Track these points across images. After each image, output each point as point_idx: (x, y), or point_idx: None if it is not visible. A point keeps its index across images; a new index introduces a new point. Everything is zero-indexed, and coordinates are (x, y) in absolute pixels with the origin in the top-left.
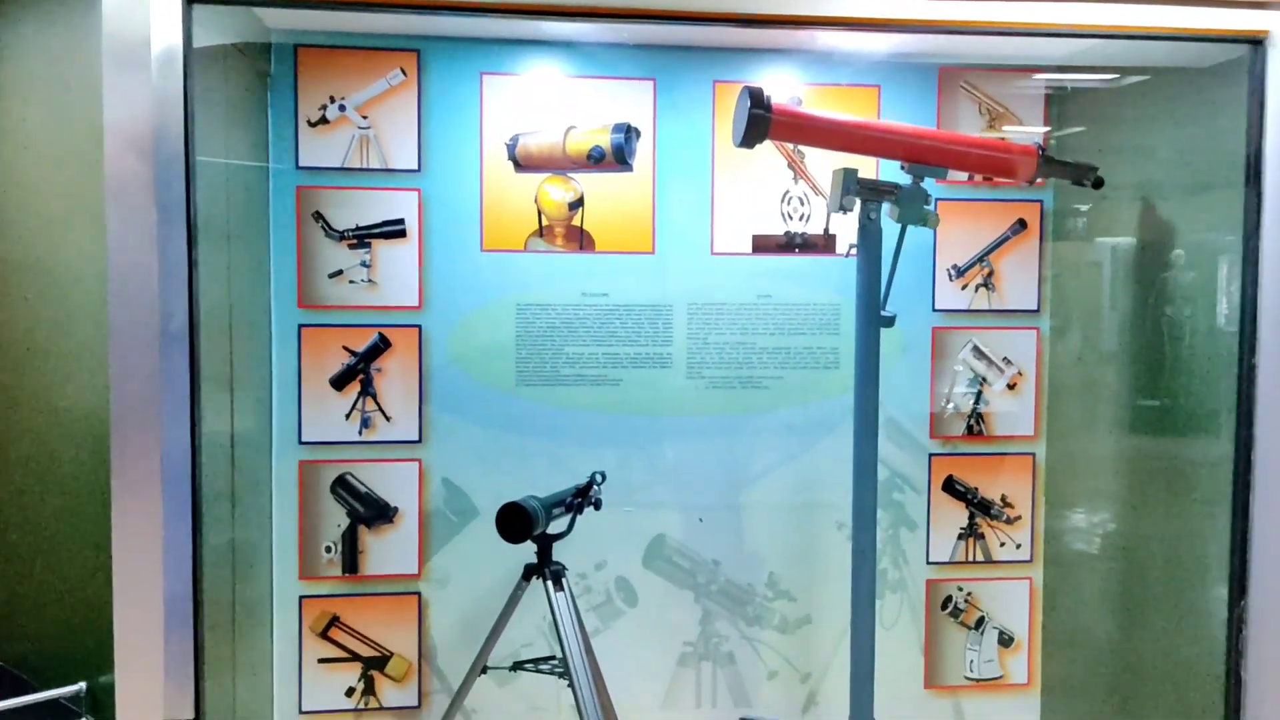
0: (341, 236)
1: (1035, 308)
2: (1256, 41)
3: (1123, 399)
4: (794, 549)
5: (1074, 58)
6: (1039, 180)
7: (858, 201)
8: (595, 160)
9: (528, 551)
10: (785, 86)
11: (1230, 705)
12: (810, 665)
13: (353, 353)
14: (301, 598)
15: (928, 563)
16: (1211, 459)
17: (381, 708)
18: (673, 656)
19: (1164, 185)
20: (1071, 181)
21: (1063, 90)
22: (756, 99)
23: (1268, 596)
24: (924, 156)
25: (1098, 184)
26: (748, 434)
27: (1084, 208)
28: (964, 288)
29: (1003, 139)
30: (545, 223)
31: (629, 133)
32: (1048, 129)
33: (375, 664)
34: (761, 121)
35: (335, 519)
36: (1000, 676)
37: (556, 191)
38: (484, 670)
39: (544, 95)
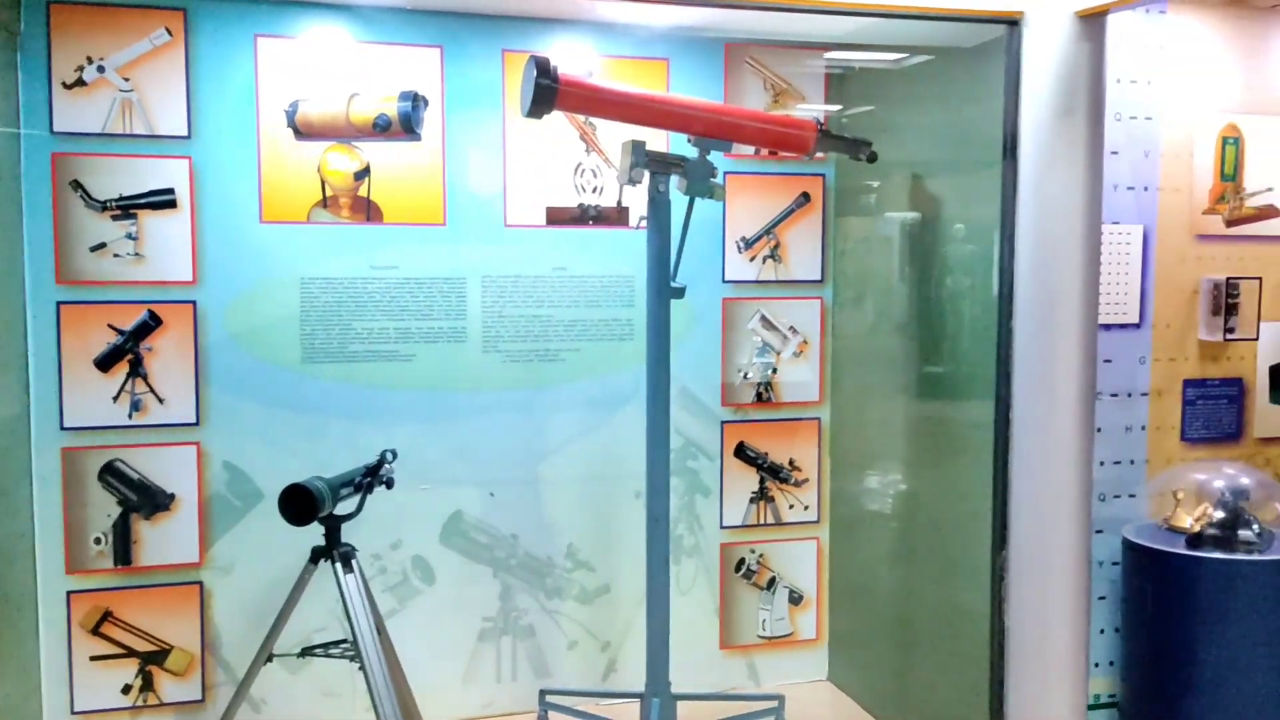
0: (104, 207)
1: (819, 278)
2: (1013, 22)
3: (901, 365)
4: (593, 520)
5: (852, 36)
6: (819, 155)
7: (646, 174)
8: (381, 129)
9: (319, 534)
10: (577, 57)
11: (995, 650)
12: (610, 633)
13: (119, 331)
14: (69, 593)
15: (721, 527)
16: (980, 420)
17: (162, 704)
18: (472, 632)
19: (937, 161)
20: (849, 156)
21: (844, 69)
22: (543, 69)
23: (1026, 546)
24: (708, 130)
25: (872, 158)
26: (545, 407)
27: (864, 183)
28: (752, 259)
29: (787, 114)
30: (329, 193)
31: (416, 101)
32: (840, 107)
33: (153, 659)
34: (548, 92)
35: (105, 508)
36: (791, 633)
37: (340, 161)
38: (270, 658)
39: (325, 60)
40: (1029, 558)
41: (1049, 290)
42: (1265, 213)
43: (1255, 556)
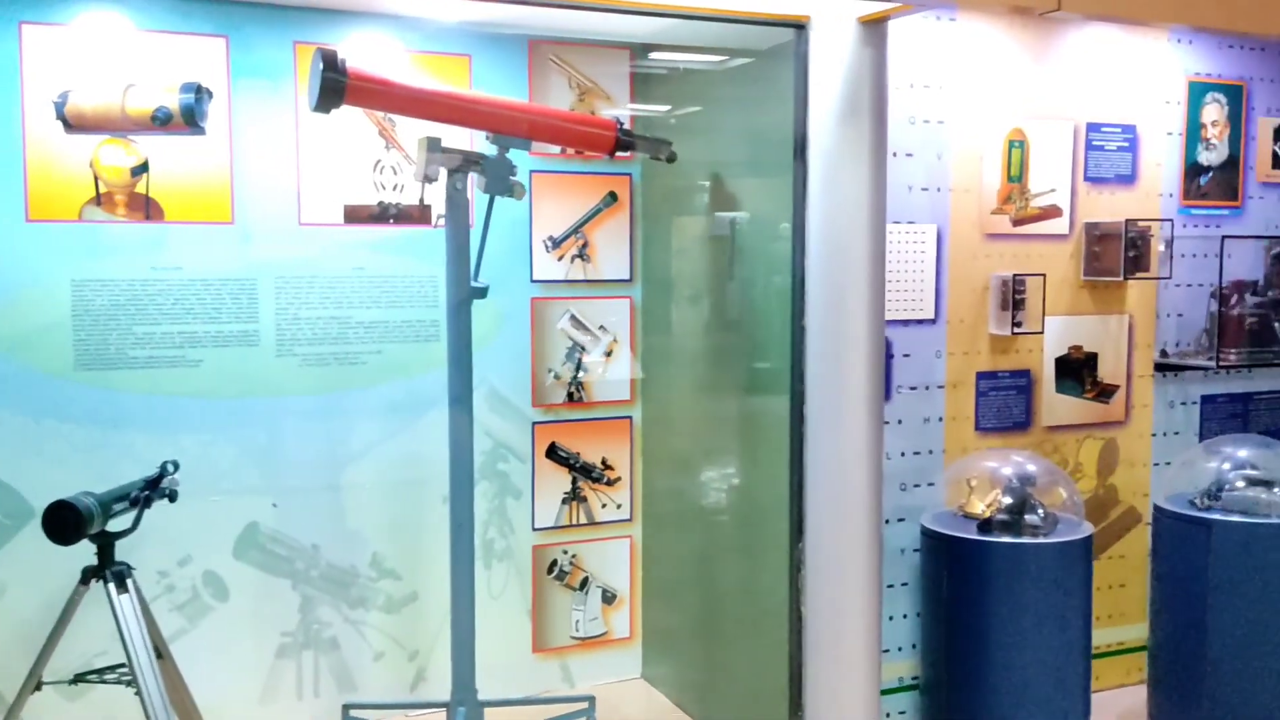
0: None
1: (628, 277)
2: (799, 26)
3: (708, 362)
4: (399, 527)
5: (654, 36)
6: (621, 154)
7: (444, 171)
8: (161, 122)
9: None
10: (375, 50)
11: (794, 640)
12: (418, 642)
13: None
14: None
15: (533, 529)
16: (781, 415)
17: None
18: (270, 649)
19: (739, 161)
20: (649, 156)
21: (649, 69)
22: (330, 62)
23: (820, 537)
24: (505, 127)
25: (671, 158)
26: (346, 412)
27: (670, 183)
28: (560, 259)
29: (590, 113)
30: (103, 190)
31: (200, 93)
32: (671, 108)
33: None
34: (335, 86)
35: None
36: (605, 633)
37: (115, 155)
38: (39, 686)
39: (99, 49)
40: (824, 548)
41: (838, 287)
42: (1048, 212)
43: (1040, 540)
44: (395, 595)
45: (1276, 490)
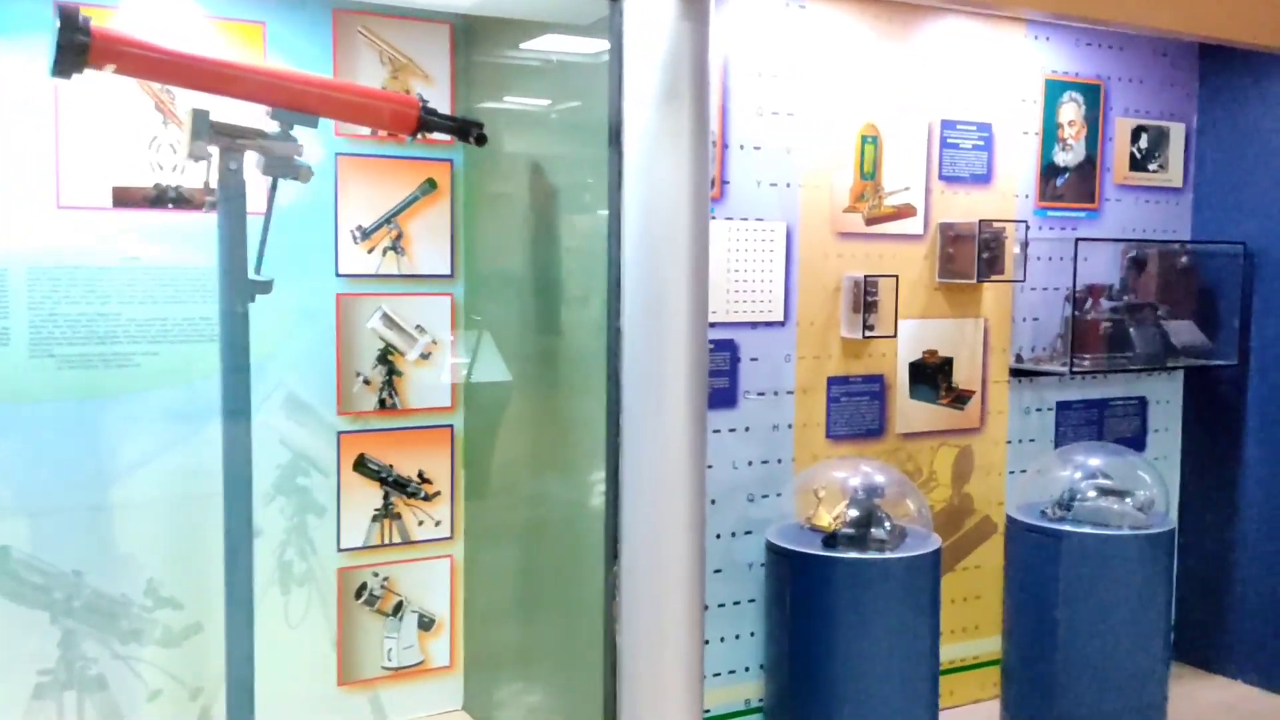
0: None
1: (449, 273)
2: None
3: (534, 367)
4: (179, 549)
5: (475, 9)
6: (428, 135)
7: (216, 150)
8: None
9: None
10: (164, 14)
11: (608, 670)
12: (202, 679)
13: None
14: None
15: (339, 550)
16: (600, 424)
17: None
18: (25, 690)
19: (564, 147)
20: (457, 138)
21: (471, 45)
22: (69, 20)
23: (638, 558)
24: (286, 100)
25: (480, 140)
26: (115, 420)
27: (496, 170)
28: (371, 251)
29: (385, 89)
30: None
31: None
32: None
33: None
34: (76, 47)
35: None
36: (421, 662)
37: None
38: None
39: None
40: (640, 571)
41: (657, 285)
42: (902, 211)
43: (886, 555)
44: (175, 626)
45: (1128, 500)
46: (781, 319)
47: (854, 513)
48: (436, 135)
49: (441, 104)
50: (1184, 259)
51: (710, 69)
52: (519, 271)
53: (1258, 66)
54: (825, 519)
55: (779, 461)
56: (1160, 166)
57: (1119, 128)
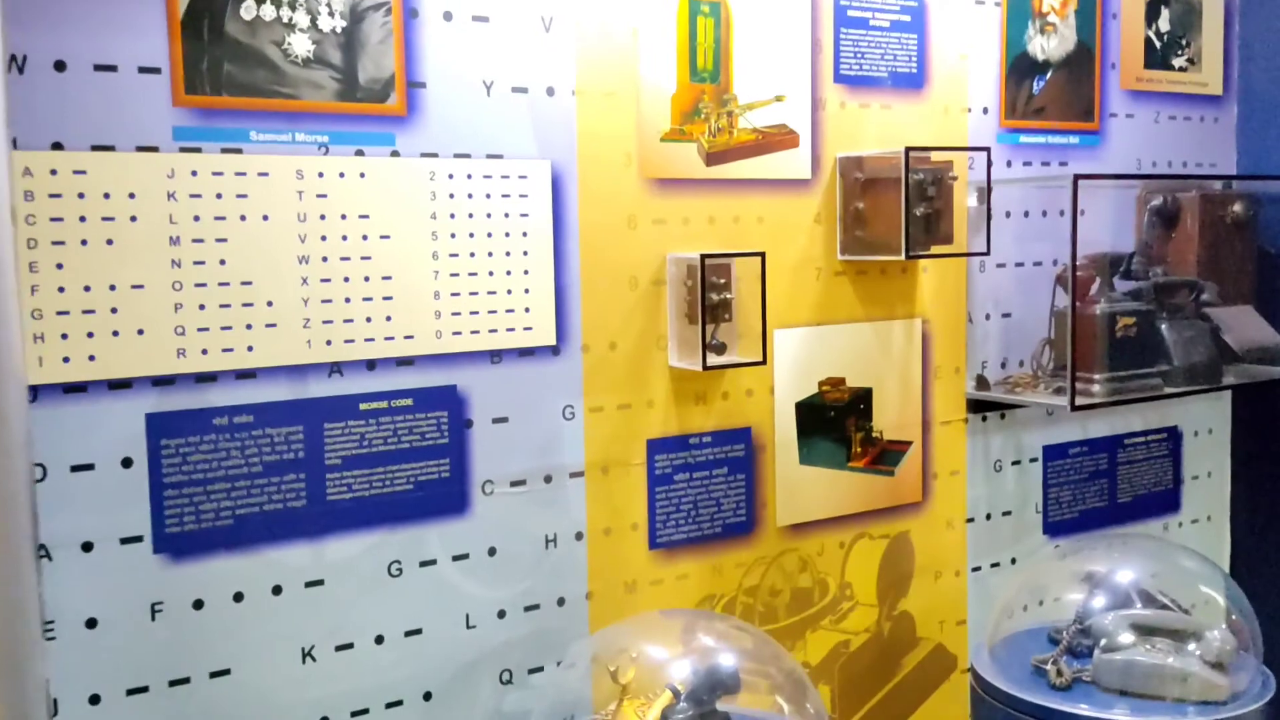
0: None
1: None
2: None
3: None
4: None
5: None
6: None
7: None
8: None
9: None
10: None
11: None
12: None
13: None
14: None
15: None
16: None
17: None
18: None
19: None
20: None
21: None
22: None
23: None
24: None
25: None
26: None
27: None
28: None
29: None
30: None
31: None
32: None
33: None
34: None
35: None
36: None
37: None
38: None
39: None
40: None
41: None
42: (772, 139)
43: None
44: None
45: (1192, 647)
46: (552, 342)
47: None
48: None
49: None
50: (1236, 206)
51: None
52: None
53: None
54: None
55: (560, 603)
56: (1189, 61)
57: (1126, 3)
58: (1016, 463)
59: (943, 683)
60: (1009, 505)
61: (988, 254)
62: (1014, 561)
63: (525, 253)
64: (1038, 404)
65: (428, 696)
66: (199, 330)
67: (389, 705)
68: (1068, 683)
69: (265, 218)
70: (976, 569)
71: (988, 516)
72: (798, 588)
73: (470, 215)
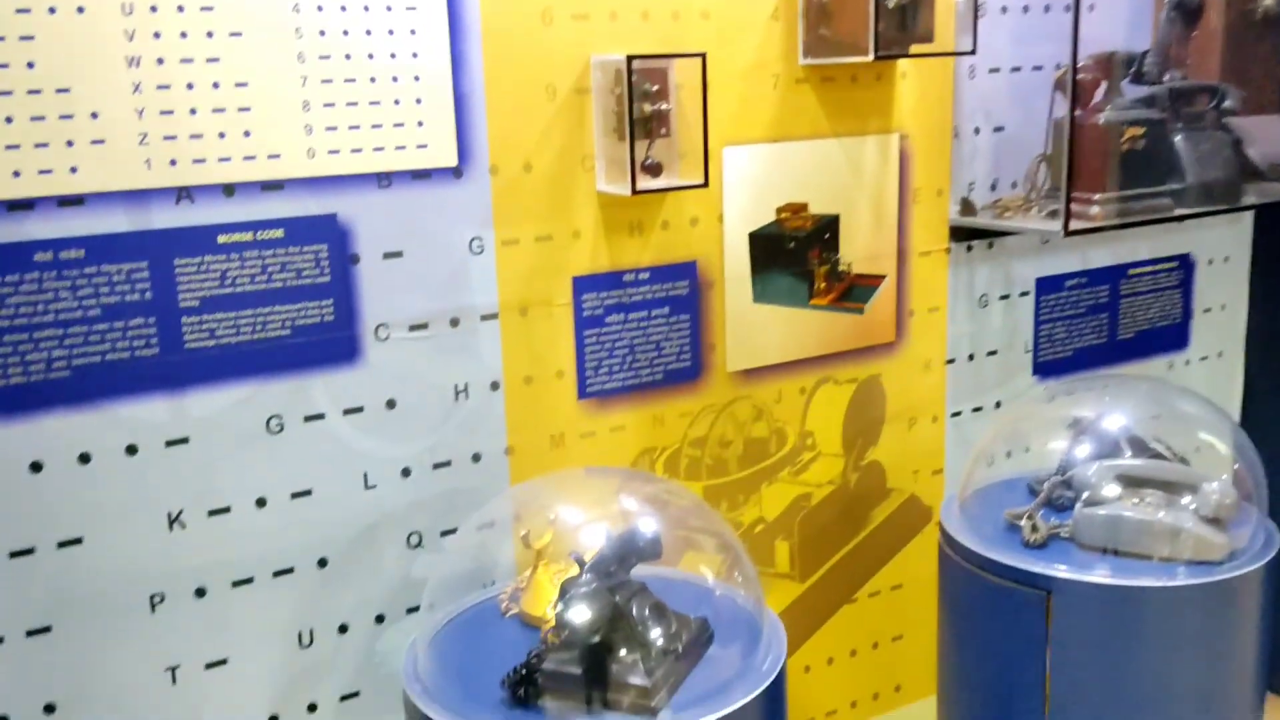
0: None
1: None
2: None
3: None
4: None
5: None
6: None
7: None
8: None
9: None
10: None
11: None
12: None
13: None
14: None
15: None
16: None
17: None
18: None
19: None
20: None
21: None
22: None
23: None
24: None
25: None
26: None
27: None
28: None
29: None
30: None
31: None
32: None
33: None
34: None
35: None
36: None
37: None
38: None
39: None
40: None
41: None
42: None
43: (655, 686)
44: None
45: (1188, 500)
46: (452, 162)
47: (585, 617)
48: None
49: None
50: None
51: None
52: None
53: None
54: (543, 606)
55: (475, 459)
56: None
57: None
58: (1005, 297)
59: (914, 536)
60: (995, 344)
61: (973, 53)
62: (998, 406)
63: (415, 54)
64: (1029, 230)
65: (323, 563)
66: (7, 148)
67: (277, 574)
68: (1043, 539)
69: (80, 9)
70: (956, 414)
71: (970, 357)
72: (751, 438)
73: (343, 8)
